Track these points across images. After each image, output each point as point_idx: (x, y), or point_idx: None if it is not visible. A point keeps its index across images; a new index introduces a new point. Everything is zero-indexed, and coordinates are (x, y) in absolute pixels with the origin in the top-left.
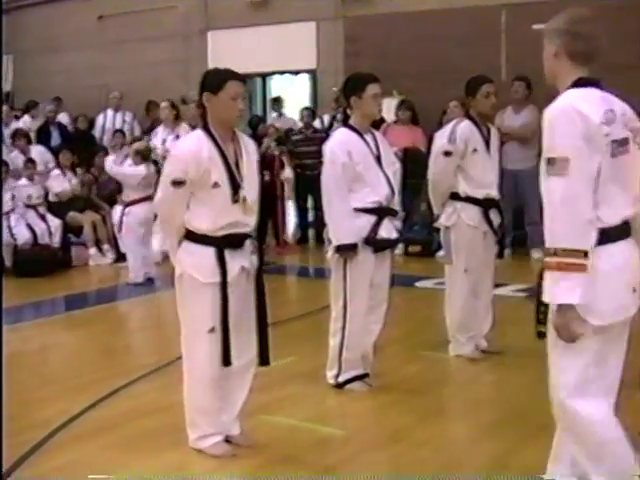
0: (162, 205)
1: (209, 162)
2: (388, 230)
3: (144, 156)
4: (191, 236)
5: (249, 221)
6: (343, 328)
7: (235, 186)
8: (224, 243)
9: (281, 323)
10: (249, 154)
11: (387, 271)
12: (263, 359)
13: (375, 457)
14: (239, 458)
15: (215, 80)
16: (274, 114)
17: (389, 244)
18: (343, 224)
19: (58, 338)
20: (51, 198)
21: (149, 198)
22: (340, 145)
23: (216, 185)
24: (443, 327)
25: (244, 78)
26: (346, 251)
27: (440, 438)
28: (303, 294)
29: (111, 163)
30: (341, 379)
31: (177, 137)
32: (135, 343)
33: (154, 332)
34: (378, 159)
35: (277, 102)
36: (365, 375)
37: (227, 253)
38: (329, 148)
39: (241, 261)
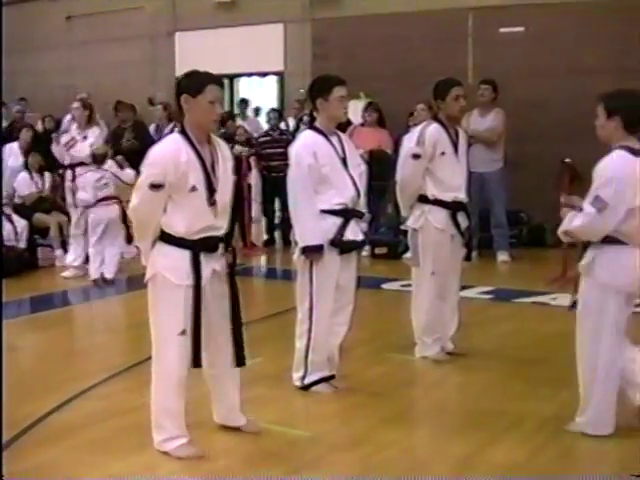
0: (140, 209)
1: (187, 165)
2: (354, 232)
3: (97, 160)
4: (166, 238)
5: (222, 224)
6: (309, 330)
7: (211, 190)
8: (200, 246)
9: (247, 324)
10: (224, 158)
11: (353, 273)
12: (239, 360)
13: (342, 459)
14: (206, 460)
15: (194, 83)
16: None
17: (355, 246)
18: (309, 226)
19: (24, 339)
20: (17, 200)
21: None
22: (306, 147)
23: (194, 189)
24: (409, 329)
25: (222, 82)
26: (312, 253)
27: (406, 440)
28: (269, 296)
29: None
30: (307, 381)
31: (85, 138)
32: (102, 344)
33: (121, 333)
34: (344, 161)
35: (244, 103)
36: (331, 377)
37: (202, 256)
38: (295, 150)
39: (213, 264)
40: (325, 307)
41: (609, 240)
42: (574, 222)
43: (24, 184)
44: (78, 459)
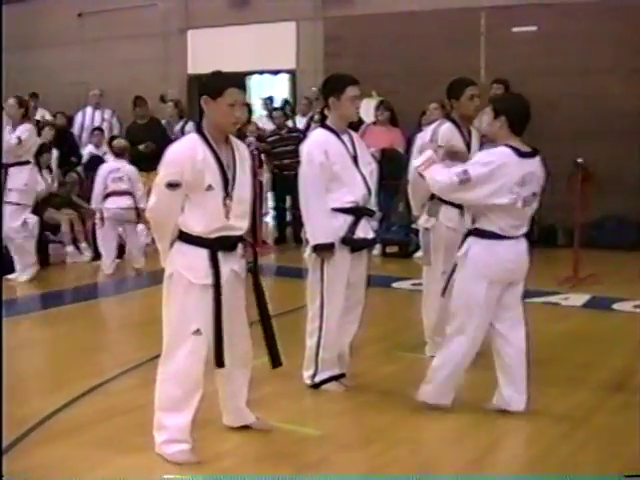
0: (157, 208)
1: (203, 164)
2: (365, 230)
3: (116, 153)
4: (185, 237)
5: (241, 224)
6: (320, 328)
7: (227, 189)
8: (217, 245)
9: (258, 322)
10: (242, 158)
11: (364, 271)
12: (274, 361)
13: (351, 457)
14: (215, 458)
15: (216, 85)
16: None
17: (366, 244)
18: (320, 224)
19: (34, 336)
20: None
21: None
22: (317, 145)
23: (210, 188)
24: (420, 328)
25: (245, 85)
26: (323, 251)
27: (416, 438)
28: (280, 294)
29: None
30: (317, 379)
31: (18, 139)
32: (111, 342)
33: (130, 331)
34: (355, 159)
35: (269, 100)
36: (341, 375)
37: (220, 255)
38: (306, 148)
39: (232, 264)
40: (336, 305)
41: (486, 233)
42: (436, 174)
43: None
44: (86, 456)
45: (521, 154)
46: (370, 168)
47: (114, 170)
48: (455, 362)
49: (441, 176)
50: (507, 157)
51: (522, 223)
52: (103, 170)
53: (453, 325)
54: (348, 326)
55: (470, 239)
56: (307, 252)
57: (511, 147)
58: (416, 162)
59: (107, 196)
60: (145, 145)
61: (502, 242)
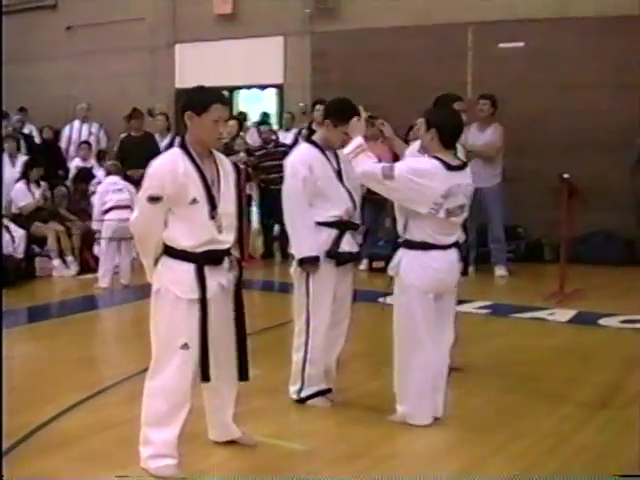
0: (139, 222)
1: (185, 178)
2: (350, 244)
3: (110, 172)
4: (170, 252)
5: (227, 238)
6: (306, 343)
7: (213, 203)
8: (204, 260)
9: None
10: (226, 172)
11: (349, 285)
12: (242, 374)
13: (338, 473)
14: (201, 472)
15: (200, 101)
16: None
17: (351, 257)
18: (304, 237)
19: (21, 350)
20: (14, 210)
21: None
22: (301, 159)
23: (194, 201)
24: None
25: (229, 101)
26: (308, 264)
27: (403, 454)
28: (267, 308)
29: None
30: (303, 394)
31: None
32: (97, 356)
33: (117, 345)
34: (339, 173)
35: (242, 116)
36: (328, 390)
37: (206, 270)
38: (290, 162)
39: (219, 278)
40: (322, 320)
41: (414, 244)
42: (363, 162)
43: (21, 195)
44: (72, 470)
45: (449, 167)
46: (355, 183)
47: (112, 184)
48: (417, 380)
49: (367, 165)
50: (435, 169)
51: (451, 232)
52: (102, 187)
53: (396, 341)
54: (335, 341)
55: (400, 251)
56: (293, 266)
57: (440, 160)
58: (346, 149)
59: (107, 211)
60: (135, 171)
61: (431, 252)
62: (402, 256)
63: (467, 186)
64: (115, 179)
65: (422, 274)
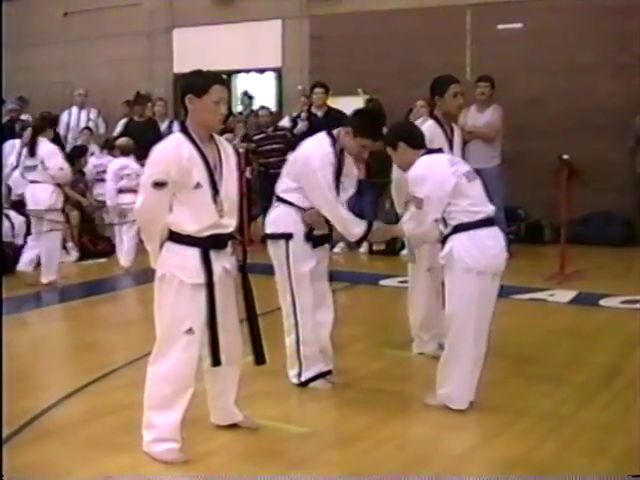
0: (145, 209)
1: (189, 162)
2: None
3: (124, 152)
4: (175, 237)
5: (230, 222)
6: (296, 324)
7: (215, 187)
8: (209, 244)
9: (246, 321)
10: (227, 156)
11: (325, 263)
12: (259, 359)
13: (338, 455)
14: (203, 456)
15: (199, 83)
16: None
17: (325, 239)
18: (350, 220)
19: (21, 336)
20: (13, 197)
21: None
22: (326, 158)
23: (198, 185)
24: (407, 325)
25: (226, 81)
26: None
27: (403, 435)
28: (267, 292)
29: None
30: (304, 378)
31: None
32: (99, 341)
33: (119, 330)
34: (338, 170)
35: (248, 98)
36: (328, 372)
37: (212, 254)
38: (316, 157)
39: (223, 262)
40: (306, 299)
41: (460, 227)
42: (413, 227)
43: (19, 182)
44: (74, 455)
45: (434, 151)
46: (348, 193)
47: (123, 167)
48: (465, 365)
49: (421, 231)
50: (429, 161)
51: (484, 199)
52: (113, 167)
53: (453, 327)
54: (324, 318)
55: (449, 240)
56: (271, 249)
57: (425, 152)
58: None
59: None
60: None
61: (482, 230)
62: (453, 242)
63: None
64: (126, 162)
65: (478, 255)
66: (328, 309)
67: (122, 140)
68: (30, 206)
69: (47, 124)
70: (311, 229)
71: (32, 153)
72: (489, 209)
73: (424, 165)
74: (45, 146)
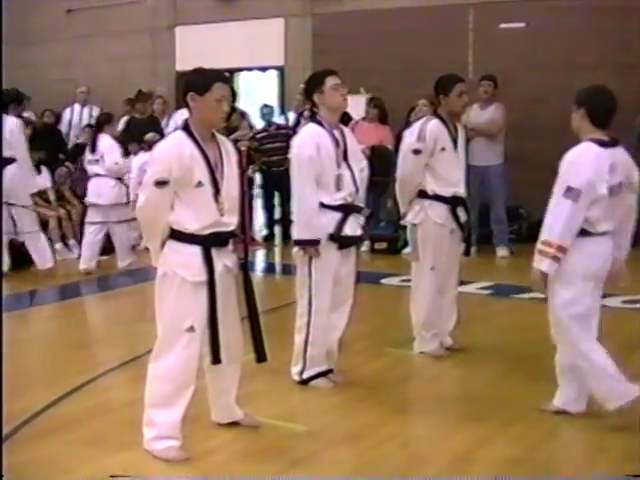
0: (147, 208)
1: (191, 161)
2: (353, 227)
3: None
4: (177, 235)
5: (231, 220)
6: (308, 324)
7: (217, 185)
8: (211, 242)
9: (247, 318)
10: (229, 154)
11: (352, 267)
12: (260, 356)
13: (340, 453)
14: (204, 455)
15: (201, 81)
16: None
17: (354, 241)
18: (308, 219)
19: (23, 333)
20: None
21: None
22: (308, 138)
23: (200, 184)
24: (408, 324)
25: (229, 80)
26: (308, 247)
27: (405, 434)
28: (269, 290)
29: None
30: (305, 375)
31: None
32: (100, 339)
33: (119, 328)
34: (345, 154)
35: (268, 108)
36: (329, 371)
37: (213, 252)
38: (297, 142)
39: (225, 260)
40: (324, 301)
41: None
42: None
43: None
44: (75, 453)
45: (602, 143)
46: (361, 165)
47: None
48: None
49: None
50: (588, 153)
51: (607, 217)
52: (137, 163)
53: (569, 339)
54: (337, 322)
55: None
56: (295, 248)
57: (593, 140)
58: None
59: None
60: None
61: (593, 237)
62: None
63: (624, 163)
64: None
65: (587, 262)
66: (343, 313)
67: (149, 135)
68: (92, 199)
69: (107, 121)
70: (339, 230)
71: (93, 149)
72: (605, 227)
73: (589, 152)
74: (105, 141)
